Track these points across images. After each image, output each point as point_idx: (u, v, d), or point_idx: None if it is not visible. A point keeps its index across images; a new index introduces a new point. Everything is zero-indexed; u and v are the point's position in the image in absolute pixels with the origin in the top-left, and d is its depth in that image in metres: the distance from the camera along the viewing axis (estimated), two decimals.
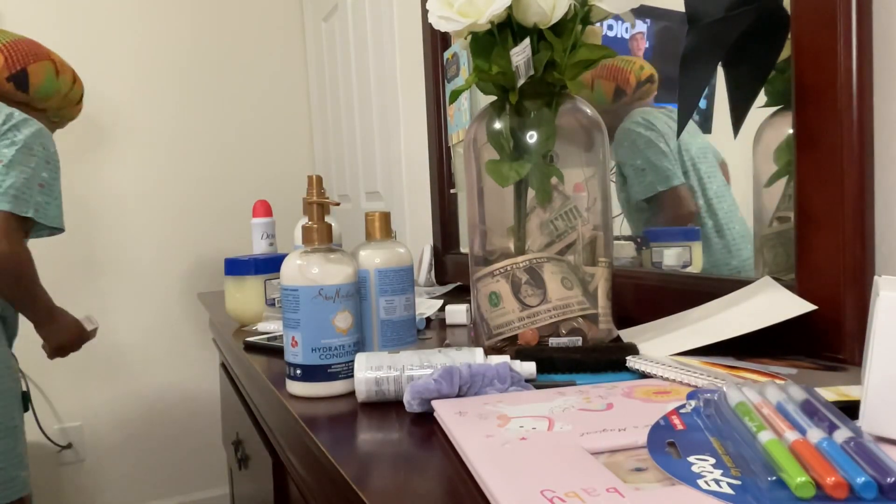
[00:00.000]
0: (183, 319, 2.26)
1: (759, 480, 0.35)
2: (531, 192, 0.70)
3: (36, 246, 2.09)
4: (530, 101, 0.69)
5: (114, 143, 2.18)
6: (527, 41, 0.64)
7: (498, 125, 0.70)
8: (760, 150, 0.73)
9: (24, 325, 2.09)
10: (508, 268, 0.68)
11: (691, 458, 0.38)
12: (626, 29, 0.93)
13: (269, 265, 1.04)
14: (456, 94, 0.73)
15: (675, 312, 0.74)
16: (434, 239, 1.51)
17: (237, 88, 2.34)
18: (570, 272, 0.68)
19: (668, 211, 0.88)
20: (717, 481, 0.36)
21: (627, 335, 0.73)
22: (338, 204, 0.65)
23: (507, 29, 0.67)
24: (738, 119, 0.75)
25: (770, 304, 0.62)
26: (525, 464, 0.40)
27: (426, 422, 0.54)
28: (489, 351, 0.70)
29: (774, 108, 0.70)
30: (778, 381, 0.46)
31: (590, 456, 0.41)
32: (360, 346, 0.64)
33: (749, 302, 0.65)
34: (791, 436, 0.37)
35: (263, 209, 1.27)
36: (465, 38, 0.70)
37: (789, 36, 0.63)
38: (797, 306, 0.60)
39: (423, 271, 1.45)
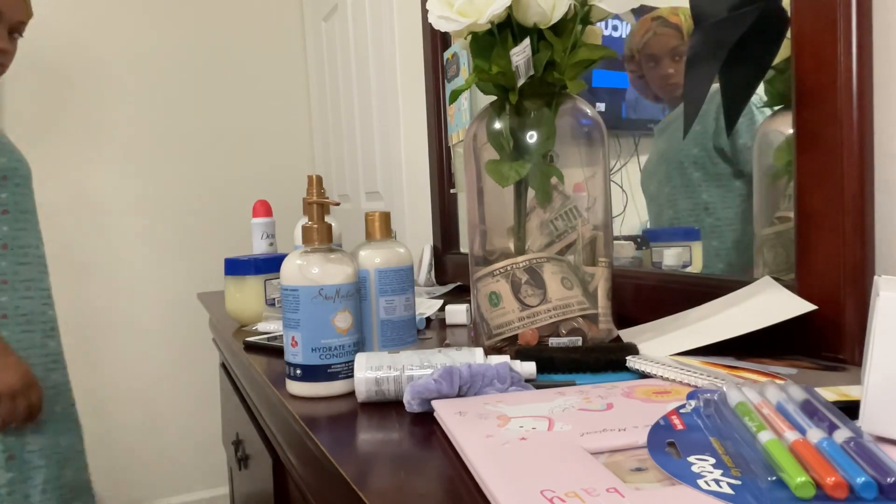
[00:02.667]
0: (183, 319, 2.26)
1: (759, 480, 0.35)
2: (531, 193, 0.70)
3: None
4: (530, 101, 0.69)
5: (113, 143, 2.18)
6: (527, 41, 0.64)
7: (498, 125, 0.70)
8: (760, 150, 0.73)
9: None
10: (508, 268, 0.68)
11: (691, 458, 0.38)
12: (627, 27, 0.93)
13: (269, 265, 1.04)
14: (456, 94, 0.73)
15: (675, 312, 0.74)
16: (434, 239, 1.51)
17: (237, 88, 2.34)
18: (570, 272, 0.68)
19: None
20: (717, 481, 0.36)
21: (627, 335, 0.73)
22: (338, 204, 0.65)
23: (507, 29, 0.67)
24: (731, 119, 0.75)
25: (770, 304, 0.63)
26: (525, 464, 0.40)
27: (426, 422, 0.54)
28: (489, 351, 0.69)
29: (774, 108, 0.70)
30: (778, 381, 0.46)
31: (590, 456, 0.41)
32: (360, 346, 0.64)
33: (749, 302, 0.65)
34: (791, 436, 0.37)
35: (263, 209, 1.27)
36: (465, 38, 0.70)
37: (789, 36, 0.63)
38: (797, 306, 0.60)
39: (423, 271, 1.45)
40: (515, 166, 0.68)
